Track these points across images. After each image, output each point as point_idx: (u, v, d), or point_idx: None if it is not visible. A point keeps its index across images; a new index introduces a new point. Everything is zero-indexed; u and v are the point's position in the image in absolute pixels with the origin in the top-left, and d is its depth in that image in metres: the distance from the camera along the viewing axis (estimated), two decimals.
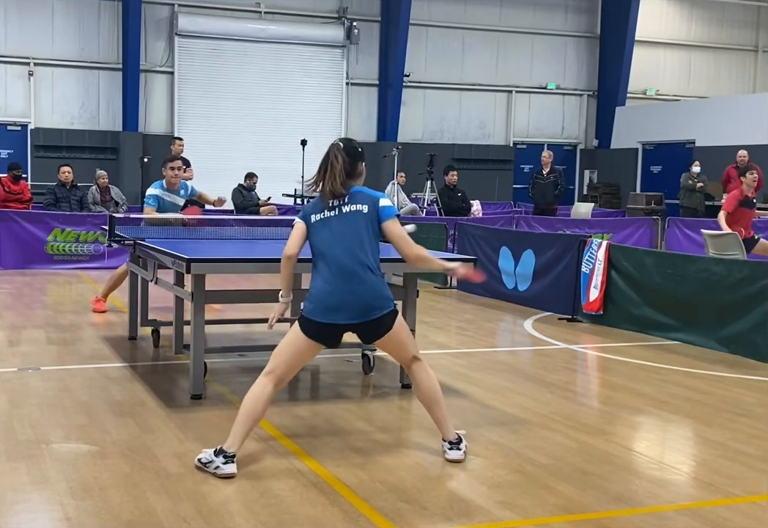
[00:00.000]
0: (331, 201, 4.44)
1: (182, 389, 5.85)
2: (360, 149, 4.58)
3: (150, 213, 8.37)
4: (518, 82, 23.42)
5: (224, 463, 4.17)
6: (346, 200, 4.45)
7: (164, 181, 8.61)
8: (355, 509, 3.82)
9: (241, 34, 20.60)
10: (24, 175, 15.97)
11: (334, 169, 4.38)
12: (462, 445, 4.54)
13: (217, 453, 4.22)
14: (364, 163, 4.60)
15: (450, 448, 4.52)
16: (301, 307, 4.55)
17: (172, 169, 8.57)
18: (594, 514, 3.86)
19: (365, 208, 4.46)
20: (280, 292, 4.68)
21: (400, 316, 4.56)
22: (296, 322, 4.49)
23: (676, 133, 21.76)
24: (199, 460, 4.27)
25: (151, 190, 8.60)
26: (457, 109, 23.00)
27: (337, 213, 4.44)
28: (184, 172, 14.84)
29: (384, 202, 4.53)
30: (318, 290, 4.40)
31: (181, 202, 8.81)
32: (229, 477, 4.13)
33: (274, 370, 4.42)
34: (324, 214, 4.45)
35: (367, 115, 22.10)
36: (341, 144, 4.48)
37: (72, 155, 19.03)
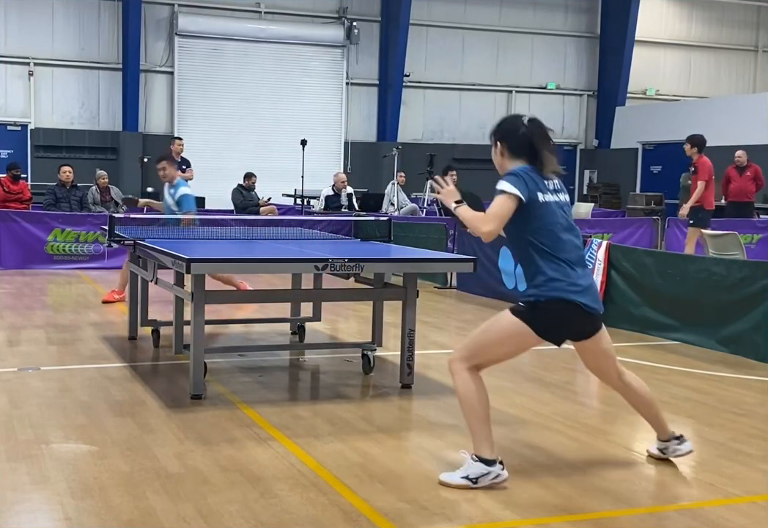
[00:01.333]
0: (549, 182, 4.06)
1: (182, 389, 5.85)
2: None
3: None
4: (518, 82, 23.42)
5: (502, 469, 4.04)
6: (557, 185, 4.10)
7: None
8: (355, 509, 3.82)
9: (241, 34, 20.61)
10: (23, 175, 15.98)
11: (550, 146, 4.03)
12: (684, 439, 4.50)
13: (488, 462, 4.02)
14: None
15: (678, 443, 4.49)
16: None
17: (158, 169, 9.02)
18: (594, 514, 3.86)
19: (567, 198, 4.17)
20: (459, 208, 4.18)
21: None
22: (515, 316, 4.07)
23: (676, 133, 21.68)
24: (466, 477, 4.02)
25: (188, 190, 8.93)
26: (457, 109, 23.00)
27: (557, 199, 4.08)
28: (184, 172, 14.95)
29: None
30: (570, 275, 4.01)
31: (170, 200, 8.95)
32: (505, 481, 4.05)
33: (481, 364, 4.25)
34: (550, 197, 4.04)
35: (367, 115, 22.10)
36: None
37: (72, 155, 19.03)
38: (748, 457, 4.70)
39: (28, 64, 19.51)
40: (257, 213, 15.34)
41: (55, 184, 14.08)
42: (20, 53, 19.40)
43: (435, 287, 11.55)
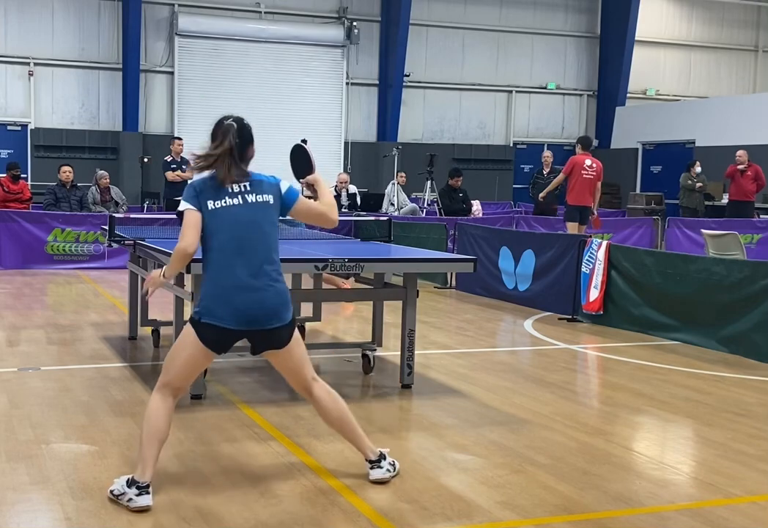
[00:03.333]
0: (231, 187, 3.96)
1: None
2: (251, 129, 4.12)
3: None
4: (518, 82, 23.41)
5: (137, 495, 3.75)
6: (248, 188, 3.97)
7: None
8: (355, 509, 3.82)
9: (241, 34, 20.59)
10: (23, 175, 15.97)
11: (233, 151, 3.96)
12: (384, 463, 4.17)
13: (129, 484, 3.80)
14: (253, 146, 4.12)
15: (371, 468, 4.16)
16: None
17: None
18: (594, 514, 3.86)
19: (271, 199, 4.02)
20: (165, 272, 4.08)
21: (297, 332, 4.09)
22: (187, 326, 3.97)
23: (676, 133, 21.75)
24: (111, 492, 3.85)
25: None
26: (457, 109, 22.99)
27: (241, 201, 3.94)
28: (183, 172, 14.96)
29: (285, 184, 4.11)
30: (217, 289, 3.91)
31: None
32: (143, 510, 3.73)
33: (170, 382, 4.00)
34: (225, 202, 3.93)
35: (367, 115, 22.09)
36: (235, 124, 4.05)
37: (72, 155, 19.02)
38: (748, 457, 4.70)
39: (28, 64, 19.50)
40: None
41: (55, 184, 14.09)
42: (20, 53, 19.39)
43: (435, 287, 11.55)
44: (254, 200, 3.99)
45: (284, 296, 3.99)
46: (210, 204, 3.93)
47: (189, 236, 3.91)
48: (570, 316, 9.12)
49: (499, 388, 6.18)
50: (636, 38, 23.21)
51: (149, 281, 4.18)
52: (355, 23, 21.22)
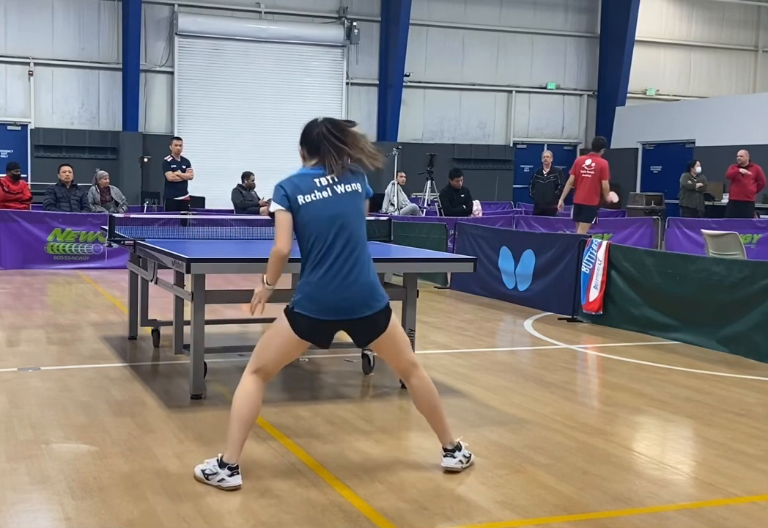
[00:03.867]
0: (319, 180, 4.09)
1: (182, 389, 5.85)
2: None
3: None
4: (518, 82, 23.42)
5: (230, 476, 4.00)
6: (336, 179, 4.09)
7: None
8: (355, 509, 3.82)
9: (241, 34, 20.60)
10: (23, 175, 15.97)
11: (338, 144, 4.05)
12: (459, 454, 4.33)
13: (221, 464, 4.04)
14: None
15: (445, 456, 4.33)
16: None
17: None
18: (594, 514, 3.86)
19: (359, 187, 4.14)
20: (266, 278, 4.17)
21: (394, 317, 4.22)
22: (281, 315, 4.12)
23: (676, 133, 21.75)
24: (202, 471, 4.07)
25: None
26: (457, 109, 23.00)
27: (330, 193, 4.06)
28: (184, 172, 14.96)
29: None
30: (311, 281, 4.03)
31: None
32: (235, 489, 3.99)
33: (262, 368, 4.15)
34: (315, 196, 4.06)
35: (367, 115, 22.09)
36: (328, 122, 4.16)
37: (72, 155, 19.04)
38: (748, 457, 4.70)
39: (28, 64, 19.51)
40: (257, 213, 15.33)
41: (55, 184, 14.08)
42: (20, 53, 19.40)
43: (435, 287, 11.55)
44: (343, 191, 4.09)
45: (373, 285, 4.09)
46: (300, 199, 4.04)
47: (283, 237, 4.04)
48: (570, 316, 9.12)
49: (499, 388, 6.18)
50: (636, 38, 23.22)
51: (256, 298, 4.23)
52: (355, 23, 21.24)
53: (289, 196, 4.05)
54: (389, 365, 4.43)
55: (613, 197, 12.91)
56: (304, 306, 4.03)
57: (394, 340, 4.20)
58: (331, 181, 4.09)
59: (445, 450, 4.35)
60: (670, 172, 20.78)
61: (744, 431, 5.21)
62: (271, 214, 4.09)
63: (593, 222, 12.98)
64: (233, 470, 4.01)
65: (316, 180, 4.09)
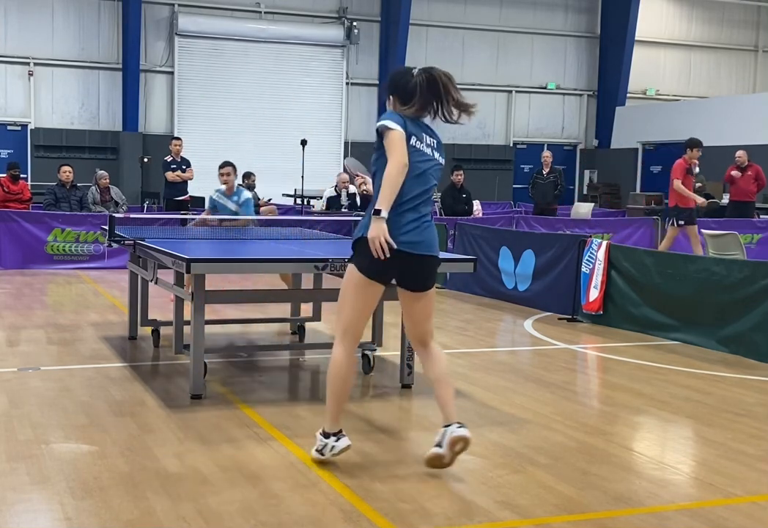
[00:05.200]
0: (426, 135, 4.30)
1: (182, 389, 5.85)
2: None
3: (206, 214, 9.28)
4: (518, 82, 23.42)
5: (337, 440, 4.27)
6: (435, 145, 4.34)
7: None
8: (355, 509, 3.82)
9: (241, 34, 20.60)
10: (23, 175, 15.97)
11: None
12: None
13: (325, 435, 4.30)
14: None
15: (459, 427, 4.25)
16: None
17: (221, 175, 9.20)
18: (594, 514, 3.86)
19: (442, 160, 4.39)
20: (381, 206, 4.09)
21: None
22: (349, 267, 4.31)
23: (676, 133, 21.71)
24: (316, 450, 4.33)
25: (249, 194, 9.47)
26: None
27: (431, 154, 4.32)
28: (184, 172, 14.95)
29: None
30: (389, 213, 4.11)
31: (234, 207, 9.16)
32: (347, 449, 4.28)
33: (347, 328, 4.29)
34: (423, 147, 4.28)
35: (367, 115, 22.09)
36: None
37: (72, 155, 19.03)
38: (748, 457, 4.70)
39: (28, 64, 19.51)
40: (257, 213, 15.34)
41: (55, 184, 14.08)
42: (20, 53, 19.40)
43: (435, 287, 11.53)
44: (437, 157, 4.36)
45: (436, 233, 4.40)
46: (413, 140, 4.23)
47: (401, 151, 4.12)
48: (570, 316, 9.12)
49: (499, 388, 6.19)
50: (636, 38, 23.22)
51: (378, 237, 4.08)
52: (355, 23, 21.23)
53: (406, 128, 4.21)
54: (409, 331, 4.52)
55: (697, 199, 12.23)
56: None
57: (429, 303, 4.44)
58: (432, 144, 4.33)
59: (458, 423, 4.27)
60: (670, 173, 20.75)
61: (744, 431, 5.21)
62: (379, 133, 4.19)
63: (693, 223, 12.09)
64: (338, 434, 4.28)
65: (425, 135, 4.30)
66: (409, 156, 4.15)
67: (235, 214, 9.04)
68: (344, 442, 4.29)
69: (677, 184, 12.10)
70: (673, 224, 12.24)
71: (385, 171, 4.10)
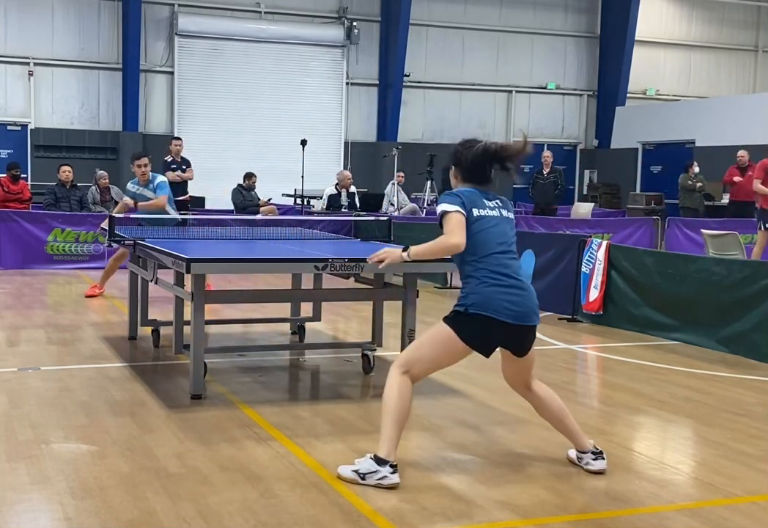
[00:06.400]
0: (488, 200, 4.28)
1: (182, 389, 5.85)
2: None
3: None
4: (518, 82, 23.43)
5: (392, 473, 4.05)
6: (501, 203, 4.34)
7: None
8: (355, 509, 3.82)
9: (241, 34, 20.61)
10: (23, 175, 15.97)
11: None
12: (603, 456, 4.39)
13: (379, 462, 4.07)
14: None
15: (594, 459, 4.36)
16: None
17: (139, 166, 9.41)
18: (594, 514, 3.86)
19: (512, 216, 4.39)
20: (413, 250, 4.28)
21: None
22: (443, 326, 4.21)
23: (676, 133, 21.76)
24: (355, 472, 4.10)
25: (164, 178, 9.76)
26: (457, 109, 23.00)
27: (498, 214, 4.28)
28: (184, 172, 14.95)
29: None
30: (491, 287, 4.16)
31: (151, 195, 9.46)
32: (394, 487, 4.03)
33: (414, 375, 4.24)
34: (487, 212, 4.24)
35: (367, 115, 22.10)
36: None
37: (72, 155, 19.03)
38: (748, 457, 4.70)
39: (28, 64, 19.51)
40: (257, 213, 15.34)
41: (54, 184, 14.08)
42: (20, 53, 19.40)
43: (435, 287, 11.54)
44: (506, 215, 4.35)
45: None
46: (475, 212, 4.20)
47: (461, 234, 4.12)
48: (570, 316, 9.12)
49: (499, 388, 6.16)
50: (636, 38, 23.23)
51: (387, 256, 4.37)
52: (355, 23, 21.24)
53: (465, 204, 4.19)
54: (509, 379, 4.51)
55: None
56: (483, 307, 4.15)
57: (531, 358, 4.41)
58: (498, 205, 4.32)
59: (592, 453, 4.36)
60: (670, 172, 20.78)
61: (744, 431, 5.21)
62: (439, 215, 4.20)
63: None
64: (394, 467, 4.08)
65: (485, 200, 4.28)
66: (478, 226, 4.17)
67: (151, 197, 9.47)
68: (397, 477, 4.08)
69: (755, 184, 11.40)
70: (760, 228, 11.58)
71: (442, 239, 4.13)
